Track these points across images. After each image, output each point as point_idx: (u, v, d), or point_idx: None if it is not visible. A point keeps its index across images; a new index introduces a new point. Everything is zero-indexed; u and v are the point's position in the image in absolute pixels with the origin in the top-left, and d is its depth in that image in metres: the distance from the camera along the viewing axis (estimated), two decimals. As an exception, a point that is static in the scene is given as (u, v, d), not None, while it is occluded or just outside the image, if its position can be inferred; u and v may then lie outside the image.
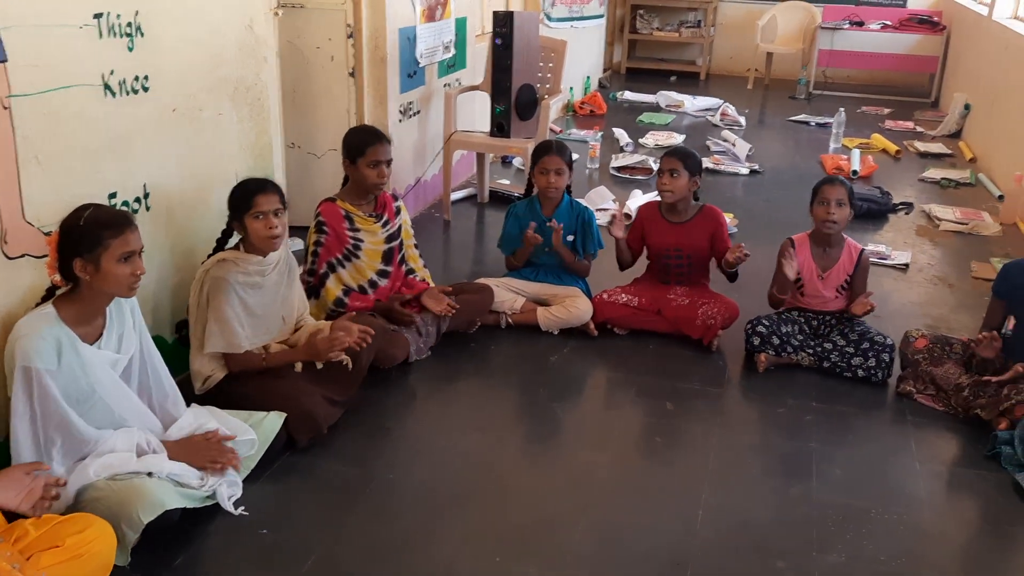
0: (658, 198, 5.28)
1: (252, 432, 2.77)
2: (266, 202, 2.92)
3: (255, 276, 2.99)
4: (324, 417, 2.98)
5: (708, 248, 3.82)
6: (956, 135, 7.47)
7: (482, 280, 3.92)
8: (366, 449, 2.97)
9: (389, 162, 3.52)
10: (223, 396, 2.97)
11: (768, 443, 3.09)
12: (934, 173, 6.32)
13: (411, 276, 3.74)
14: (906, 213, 5.51)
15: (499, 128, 5.08)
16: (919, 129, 7.80)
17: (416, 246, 3.81)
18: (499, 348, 3.71)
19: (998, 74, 6.54)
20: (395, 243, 3.65)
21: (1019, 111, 5.82)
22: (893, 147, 6.95)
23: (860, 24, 9.14)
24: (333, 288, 3.49)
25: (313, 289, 3.48)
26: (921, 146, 7.10)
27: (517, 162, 6.30)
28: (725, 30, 10.29)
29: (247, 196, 2.93)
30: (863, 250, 3.62)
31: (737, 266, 3.69)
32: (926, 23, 9.02)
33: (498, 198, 5.57)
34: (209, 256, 3.06)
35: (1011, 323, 3.38)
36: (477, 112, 5.72)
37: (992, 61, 6.80)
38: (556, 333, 3.80)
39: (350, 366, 3.13)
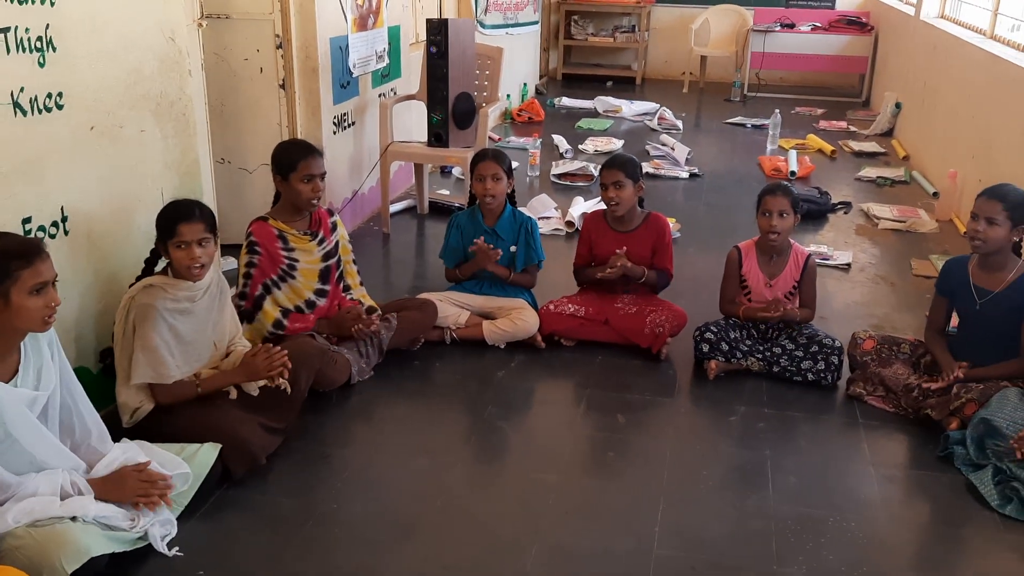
0: (599, 205, 5.28)
1: (185, 466, 2.62)
2: (190, 231, 2.77)
3: (184, 302, 2.84)
4: (261, 446, 2.84)
5: (651, 257, 3.76)
6: (888, 133, 7.58)
7: (425, 295, 3.80)
8: (307, 479, 2.83)
9: (323, 176, 3.39)
10: (153, 429, 2.81)
11: (722, 453, 3.04)
12: (870, 172, 6.39)
13: (346, 295, 3.60)
14: (845, 213, 5.55)
15: (437, 138, 4.98)
16: (852, 128, 7.90)
17: (354, 262, 3.68)
18: (444, 365, 3.60)
19: (927, 73, 6.64)
20: (332, 261, 3.52)
21: (949, 109, 5.91)
22: (828, 147, 7.02)
23: (791, 26, 9.24)
24: (271, 310, 3.34)
25: (247, 313, 3.33)
26: (855, 145, 7.18)
27: (457, 171, 6.20)
28: (659, 34, 10.33)
29: (170, 223, 2.78)
30: (809, 255, 3.60)
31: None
32: (855, 24, 9.16)
33: (438, 209, 5.46)
34: (135, 281, 2.90)
35: (955, 320, 3.39)
36: (414, 122, 5.61)
37: (921, 60, 6.91)
38: (502, 347, 3.71)
39: (288, 391, 3.00)
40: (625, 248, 3.67)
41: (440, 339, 3.73)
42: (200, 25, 3.76)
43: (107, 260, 2.98)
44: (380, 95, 5.36)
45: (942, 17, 6.92)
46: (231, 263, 4.12)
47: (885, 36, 8.71)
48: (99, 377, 2.97)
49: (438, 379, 3.52)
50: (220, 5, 4.28)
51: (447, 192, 5.84)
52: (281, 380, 2.98)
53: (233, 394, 2.95)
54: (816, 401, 3.36)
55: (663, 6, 10.23)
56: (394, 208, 5.35)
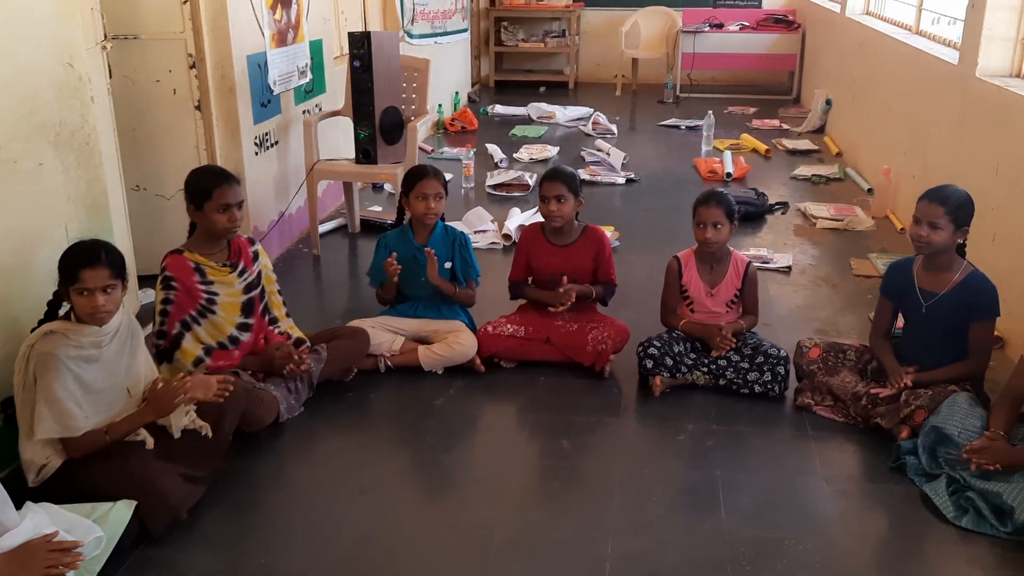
0: (536, 216, 5.16)
1: (98, 529, 2.41)
2: (93, 278, 2.56)
3: (89, 348, 2.63)
4: (182, 499, 2.64)
5: (592, 271, 3.65)
6: (820, 130, 7.60)
7: (356, 322, 3.63)
8: (235, 531, 2.64)
9: (240, 204, 3.20)
10: (63, 486, 2.59)
11: (672, 475, 2.93)
12: (804, 170, 6.38)
13: (272, 328, 3.41)
14: (782, 213, 5.51)
15: (365, 154, 4.81)
16: (785, 126, 7.91)
17: (280, 292, 3.49)
18: (379, 395, 3.43)
19: (856, 69, 6.66)
20: (255, 292, 3.33)
21: (880, 105, 5.92)
22: (763, 146, 7.00)
23: (720, 26, 9.25)
24: (191, 348, 3.14)
25: (165, 352, 3.12)
26: (789, 144, 7.18)
27: (388, 187, 6.03)
28: (589, 38, 10.27)
29: (73, 268, 2.57)
30: (750, 262, 3.52)
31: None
32: (782, 22, 9.20)
33: (371, 227, 5.29)
34: (36, 326, 2.67)
35: (900, 322, 3.33)
36: (340, 138, 5.43)
37: (849, 57, 6.93)
38: (440, 372, 3.56)
39: (209, 434, 2.81)
40: (565, 278, 3.55)
41: (374, 367, 3.56)
42: (104, 47, 3.55)
43: (7, 303, 2.75)
44: (304, 112, 5.16)
45: (867, 14, 6.96)
46: (150, 296, 3.90)
47: (812, 33, 8.76)
48: (2, 430, 2.74)
49: (374, 411, 3.35)
50: (127, 25, 4.06)
51: (379, 208, 5.66)
52: (202, 423, 2.79)
53: (149, 443, 2.74)
54: (764, 413, 3.27)
55: (592, 10, 10.17)
56: (324, 228, 5.16)
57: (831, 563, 2.50)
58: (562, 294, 3.52)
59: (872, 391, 3.11)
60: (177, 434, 2.78)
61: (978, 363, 3.11)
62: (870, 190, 5.78)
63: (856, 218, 5.25)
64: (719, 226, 3.38)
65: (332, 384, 3.42)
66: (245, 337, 3.28)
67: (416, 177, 3.65)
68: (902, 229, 5.08)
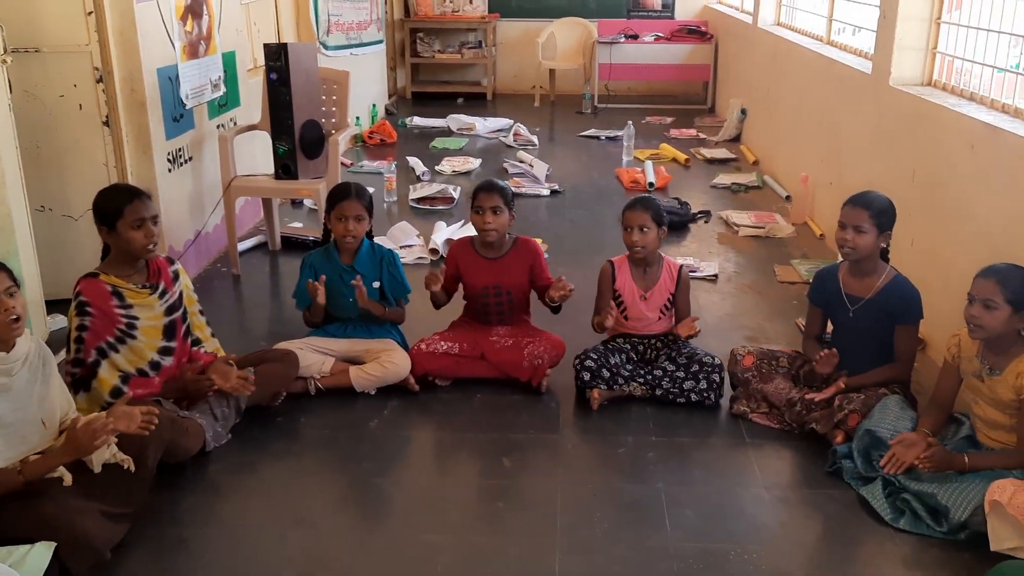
0: (465, 230, 5.10)
1: (15, 573, 2.25)
2: None
3: (-1, 378, 2.46)
4: (105, 539, 2.49)
5: (528, 283, 3.60)
6: (736, 140, 7.74)
7: (283, 344, 3.51)
8: (162, 570, 2.51)
9: (155, 218, 3.04)
10: (-27, 531, 2.41)
11: (615, 490, 2.89)
12: (724, 179, 6.48)
13: (197, 348, 3.27)
14: (705, 221, 5.57)
15: (285, 169, 4.67)
16: (702, 136, 8.03)
17: (202, 312, 3.35)
18: (310, 419, 3.31)
19: (770, 79, 6.80)
20: (177, 314, 3.18)
21: (795, 113, 6.05)
22: (682, 156, 7.09)
23: (635, 37, 9.36)
24: (107, 377, 2.98)
25: (81, 381, 2.95)
26: (707, 152, 7.29)
27: (309, 202, 5.88)
28: (506, 49, 10.27)
29: None
30: (682, 267, 3.53)
31: (562, 302, 3.49)
32: (695, 33, 9.36)
33: (292, 244, 5.14)
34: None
35: (830, 328, 3.38)
36: (258, 153, 5.27)
37: (762, 67, 7.08)
38: (373, 393, 3.46)
39: (132, 468, 2.65)
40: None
41: (304, 390, 3.44)
42: (4, 61, 3.36)
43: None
44: (219, 126, 4.99)
45: (779, 24, 7.11)
46: (60, 321, 3.70)
47: (725, 44, 8.93)
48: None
49: (305, 435, 3.23)
50: (27, 38, 3.85)
51: (300, 225, 5.52)
52: (123, 456, 2.64)
53: (67, 480, 2.57)
54: (702, 423, 3.28)
55: (508, 21, 10.17)
56: (243, 246, 5.00)
57: (777, 572, 2.50)
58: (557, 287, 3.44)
59: (807, 396, 3.14)
60: (97, 469, 2.62)
61: (905, 366, 3.17)
62: (788, 197, 5.90)
63: (777, 225, 5.34)
64: (645, 230, 3.38)
65: (260, 409, 3.29)
66: (167, 362, 3.13)
67: (336, 197, 3.54)
68: (821, 235, 5.20)
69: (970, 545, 2.56)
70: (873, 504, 2.75)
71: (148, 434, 2.70)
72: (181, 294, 3.23)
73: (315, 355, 3.49)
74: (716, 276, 4.63)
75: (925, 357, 3.66)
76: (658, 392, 3.36)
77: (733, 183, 6.34)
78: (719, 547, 2.59)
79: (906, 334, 3.14)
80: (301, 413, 3.34)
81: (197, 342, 3.29)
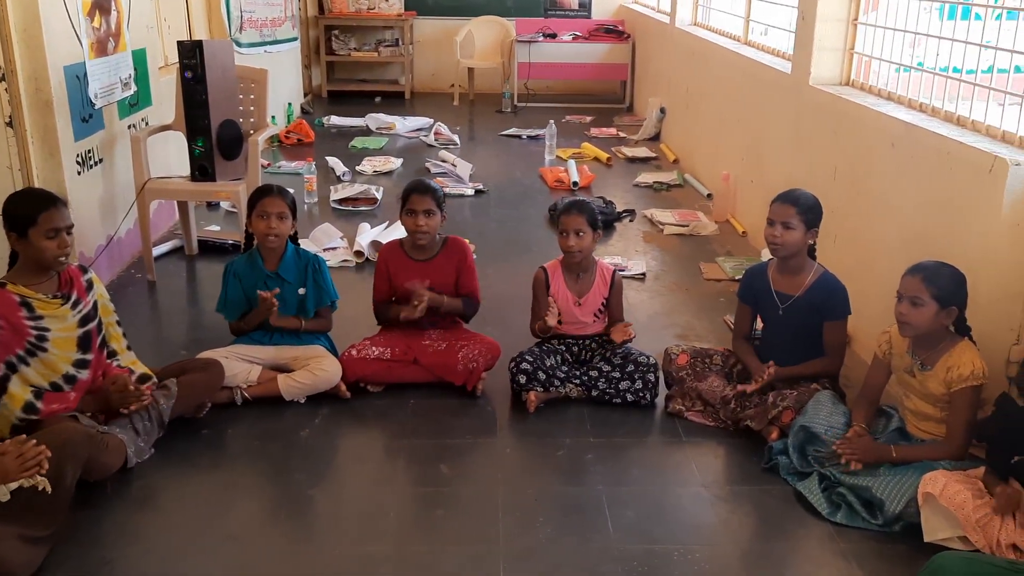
0: (390, 231, 5.02)
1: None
2: None
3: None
4: (23, 564, 2.37)
5: (455, 283, 3.54)
6: (656, 138, 7.82)
7: (207, 353, 3.37)
8: (86, 597, 2.37)
9: (70, 228, 2.89)
10: None
11: (555, 493, 2.86)
12: (646, 177, 6.53)
13: (111, 362, 3.11)
14: (630, 220, 5.60)
15: (202, 171, 4.50)
16: (622, 135, 8.09)
17: (119, 323, 3.19)
18: (238, 430, 3.19)
19: (689, 78, 6.89)
20: (92, 325, 3.02)
21: (714, 113, 6.14)
22: (604, 155, 7.12)
23: (553, 36, 9.37)
24: (19, 393, 2.81)
25: (-11, 398, 2.78)
26: (628, 151, 7.34)
27: (226, 204, 5.70)
28: (424, 47, 10.18)
29: None
30: (615, 271, 3.52)
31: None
32: (612, 32, 9.43)
33: (210, 248, 4.97)
34: None
35: (760, 324, 3.42)
36: (172, 154, 5.07)
37: (681, 66, 7.16)
38: (303, 401, 3.35)
39: (48, 489, 2.50)
40: (428, 281, 3.42)
41: (229, 400, 3.31)
42: None
43: None
44: (130, 127, 4.79)
45: (696, 24, 7.21)
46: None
47: (642, 43, 9.02)
48: None
49: (233, 448, 3.11)
50: (-79, 32, 3.61)
51: (217, 228, 5.34)
52: (38, 477, 2.48)
53: (-19, 504, 2.42)
54: (638, 422, 3.28)
55: (425, 19, 10.08)
56: (158, 251, 4.80)
57: (720, 569, 2.51)
58: (416, 294, 3.37)
59: (738, 388, 3.16)
60: (6, 497, 2.45)
61: (834, 360, 3.23)
62: (709, 195, 5.98)
63: (700, 223, 5.40)
64: (581, 234, 3.37)
65: (184, 421, 3.16)
66: (83, 375, 2.97)
67: (258, 195, 3.43)
68: (744, 232, 5.28)
69: (905, 536, 2.61)
70: (810, 499, 2.78)
71: (64, 451, 2.56)
72: (96, 304, 3.07)
73: (241, 364, 3.37)
74: (644, 275, 4.65)
75: (850, 351, 3.73)
76: (594, 393, 3.35)
77: (655, 182, 6.40)
78: (662, 548, 2.59)
79: (835, 329, 3.19)
80: (228, 424, 3.21)
81: (113, 354, 3.13)
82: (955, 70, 3.46)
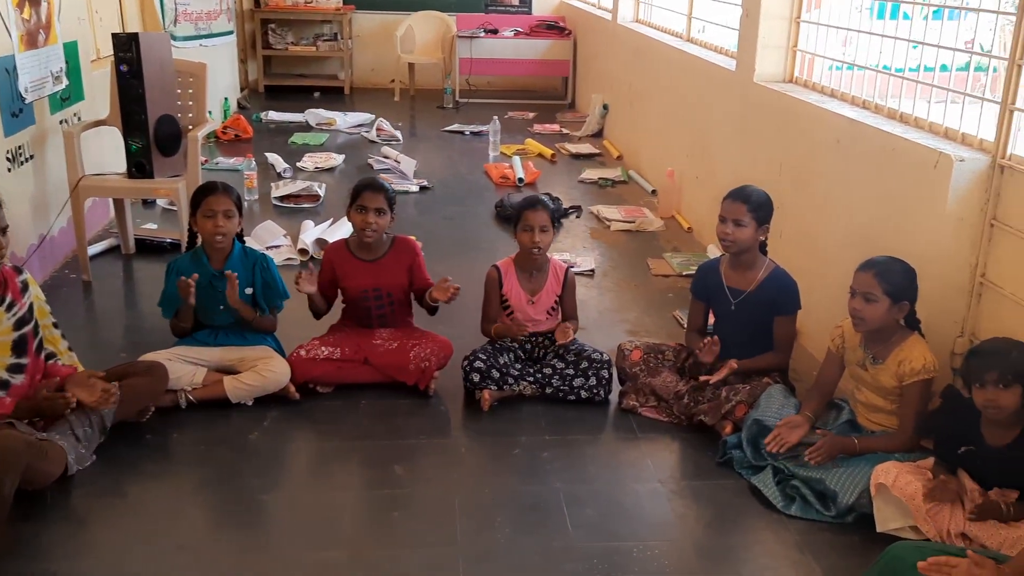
0: (335, 229, 4.93)
1: None
2: None
3: None
4: (-40, 582, 2.24)
5: (408, 283, 3.50)
6: (599, 135, 7.84)
7: (150, 355, 3.26)
8: (29, 613, 2.27)
9: (5, 229, 2.78)
10: None
11: (513, 493, 2.84)
12: (591, 174, 6.54)
13: (53, 362, 2.99)
14: (577, 216, 5.60)
15: (139, 168, 4.37)
16: (565, 131, 8.09)
17: (56, 325, 3.07)
18: (183, 435, 3.10)
19: (632, 75, 6.92)
20: (27, 328, 2.90)
21: (658, 109, 6.17)
22: (548, 151, 7.12)
23: (494, 32, 9.34)
24: (-51, 399, 2.68)
25: (-81, 406, 2.65)
26: (572, 148, 7.35)
27: (162, 202, 5.54)
28: (363, 42, 10.05)
29: None
30: (568, 268, 3.51)
31: (448, 303, 3.39)
32: (553, 28, 9.44)
33: (147, 247, 4.83)
34: None
35: (712, 319, 3.44)
36: (107, 151, 4.91)
37: (623, 63, 7.19)
38: (250, 404, 3.27)
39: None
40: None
41: (174, 404, 3.22)
42: None
43: None
44: (62, 122, 4.62)
45: (638, 21, 7.25)
46: None
47: (584, 40, 9.04)
48: None
49: (179, 453, 3.02)
50: None
51: (155, 226, 5.19)
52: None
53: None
54: (593, 419, 3.27)
55: (364, 13, 9.95)
56: (93, 250, 4.64)
57: (679, 564, 2.52)
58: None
59: (701, 379, 3.17)
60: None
61: (784, 354, 3.26)
62: (654, 192, 6.01)
63: (646, 219, 5.43)
64: (545, 229, 3.35)
65: (127, 427, 3.06)
66: (18, 380, 2.86)
67: (203, 193, 3.33)
68: (689, 228, 5.32)
69: (857, 527, 2.65)
70: (764, 492, 2.81)
71: (2, 460, 2.45)
72: (31, 306, 2.95)
73: (185, 366, 3.27)
74: (593, 271, 4.66)
75: (798, 345, 3.78)
76: (548, 390, 3.34)
77: (600, 178, 6.42)
78: (622, 544, 2.58)
79: (785, 324, 3.23)
80: (173, 429, 3.12)
81: (52, 356, 3.02)
82: (884, 67, 3.55)
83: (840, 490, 2.68)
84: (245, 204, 5.50)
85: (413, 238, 3.91)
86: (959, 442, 2.54)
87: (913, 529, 2.54)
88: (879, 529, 2.59)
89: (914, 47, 3.47)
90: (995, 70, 2.85)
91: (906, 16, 3.48)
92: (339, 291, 3.53)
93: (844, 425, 2.93)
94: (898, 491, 2.53)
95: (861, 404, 2.92)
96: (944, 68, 3.20)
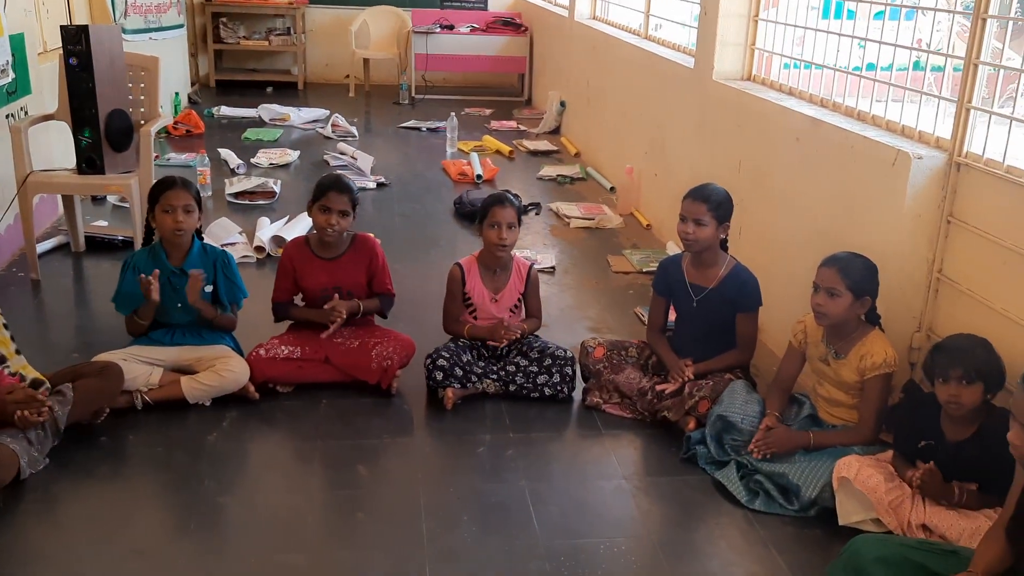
0: (292, 226, 4.87)
1: None
2: None
3: None
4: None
5: (367, 282, 3.46)
6: (556, 132, 7.85)
7: (103, 355, 3.18)
8: (-20, 623, 2.19)
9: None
10: None
11: (478, 492, 2.82)
12: (549, 171, 6.54)
13: (1, 369, 2.90)
14: (536, 213, 5.59)
15: (90, 163, 4.26)
16: (522, 128, 8.08)
17: (6, 326, 2.98)
18: (140, 437, 3.02)
19: (589, 72, 6.93)
20: (-24, 329, 2.81)
21: (615, 106, 6.19)
22: (506, 148, 7.10)
23: (450, 27, 9.29)
24: None
25: None
26: (529, 144, 7.34)
27: (112, 198, 5.41)
28: (317, 37, 9.93)
29: None
30: (531, 266, 3.50)
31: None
32: (510, 25, 9.42)
33: (98, 244, 4.71)
34: None
35: (673, 315, 3.45)
36: (55, 146, 4.78)
37: (581, 60, 7.20)
38: (208, 404, 3.21)
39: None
40: (336, 296, 3.34)
41: (129, 405, 3.14)
42: None
43: None
44: (8, 116, 4.48)
45: (594, 19, 7.26)
46: None
47: (540, 36, 9.04)
48: None
49: (135, 455, 2.95)
50: None
51: (105, 223, 5.07)
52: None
53: None
54: (557, 416, 3.27)
55: (318, 7, 9.84)
56: (41, 248, 4.51)
57: (646, 561, 2.52)
58: (330, 311, 3.30)
59: (657, 388, 3.19)
60: None
61: (747, 351, 3.29)
62: (612, 189, 6.03)
63: (605, 216, 5.44)
64: (512, 227, 3.33)
65: (81, 429, 2.97)
66: (-34, 384, 2.76)
67: (161, 188, 3.26)
68: (648, 225, 5.34)
69: (820, 521, 2.68)
70: (729, 487, 2.82)
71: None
72: (-21, 306, 2.86)
73: (141, 366, 3.19)
74: (554, 268, 4.65)
75: (759, 341, 3.81)
76: (512, 388, 3.32)
77: (558, 175, 6.41)
78: (588, 542, 2.58)
79: (747, 320, 3.25)
80: (128, 430, 3.04)
81: (2, 360, 2.92)
82: (840, 67, 3.61)
83: (803, 484, 2.70)
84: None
85: (374, 237, 3.87)
86: (919, 436, 2.58)
87: (875, 522, 2.58)
88: (841, 522, 2.62)
89: (861, 46, 3.53)
90: (956, 69, 2.89)
91: (851, 14, 3.52)
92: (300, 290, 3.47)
93: (806, 420, 2.97)
94: (860, 484, 2.56)
95: (822, 399, 2.95)
96: (901, 68, 3.25)
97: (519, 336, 3.37)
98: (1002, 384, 2.45)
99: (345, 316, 3.32)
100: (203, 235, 3.43)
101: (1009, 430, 1.91)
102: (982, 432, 2.46)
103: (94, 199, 5.46)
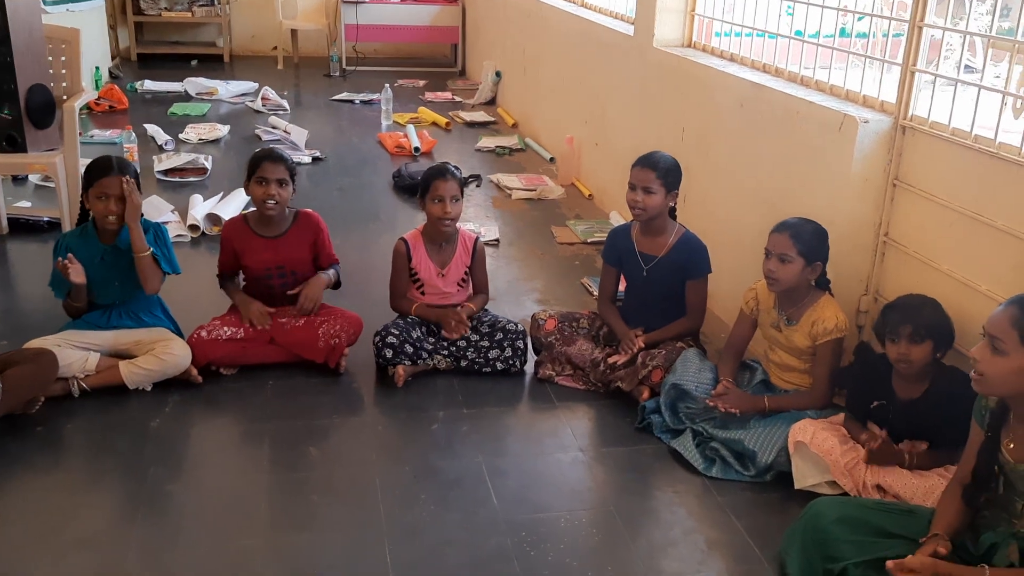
0: (224, 203, 4.72)
1: None
2: None
3: None
4: None
5: (312, 259, 3.36)
6: (492, 102, 7.76)
7: (35, 342, 3.03)
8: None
9: None
10: None
11: (434, 468, 2.77)
12: (488, 142, 6.47)
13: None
14: (477, 186, 5.53)
15: (10, 141, 4.06)
16: (457, 99, 7.98)
17: (-72, 314, 2.82)
18: (78, 425, 2.90)
19: (525, 41, 6.85)
20: None
21: (553, 76, 6.14)
22: (443, 120, 7.00)
23: (381, -3, 9.10)
24: None
25: None
26: (466, 116, 7.25)
27: (36, 177, 5.18)
28: (242, 7, 9.63)
29: None
30: (477, 239, 3.44)
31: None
32: (441, -6, 9.26)
33: (21, 226, 4.51)
34: None
35: (623, 285, 3.44)
36: (-29, 122, 4.53)
37: (516, 29, 7.12)
38: (149, 389, 3.09)
39: None
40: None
41: (65, 392, 3.02)
42: None
43: None
44: (-81, 92, 4.23)
45: (528, -13, 7.16)
46: None
47: (473, 5, 8.90)
48: None
49: (74, 444, 2.83)
50: None
51: (28, 204, 4.85)
52: None
53: None
54: (510, 390, 3.24)
55: (241, -23, 9.54)
56: (-40, 231, 4.31)
57: (607, 531, 2.51)
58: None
59: (609, 360, 3.17)
60: None
61: (697, 318, 3.29)
62: (552, 159, 5.99)
63: (547, 187, 5.40)
64: (456, 200, 3.27)
65: (14, 419, 2.84)
66: None
67: (96, 173, 3.09)
68: (590, 195, 5.33)
69: (776, 485, 2.71)
70: (685, 455, 2.83)
71: None
72: None
73: (76, 352, 3.06)
74: (498, 241, 4.60)
75: (707, 309, 3.83)
76: (463, 363, 3.28)
77: (497, 146, 6.35)
78: (549, 514, 2.56)
79: (696, 288, 3.25)
80: (65, 419, 2.92)
81: (-75, 348, 2.77)
82: (770, 35, 3.63)
83: (758, 450, 2.72)
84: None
85: (317, 214, 3.77)
86: (871, 397, 2.61)
87: (830, 484, 2.61)
88: (797, 486, 2.65)
89: (789, 12, 3.54)
90: (898, 35, 2.91)
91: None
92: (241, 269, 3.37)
93: (759, 385, 2.99)
94: (816, 447, 2.59)
95: (774, 364, 2.97)
96: (828, 35, 3.26)
97: (472, 314, 3.32)
98: (951, 343, 2.50)
99: (304, 307, 3.27)
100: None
101: (971, 371, 1.95)
102: (932, 390, 2.50)
103: (15, 179, 5.22)
